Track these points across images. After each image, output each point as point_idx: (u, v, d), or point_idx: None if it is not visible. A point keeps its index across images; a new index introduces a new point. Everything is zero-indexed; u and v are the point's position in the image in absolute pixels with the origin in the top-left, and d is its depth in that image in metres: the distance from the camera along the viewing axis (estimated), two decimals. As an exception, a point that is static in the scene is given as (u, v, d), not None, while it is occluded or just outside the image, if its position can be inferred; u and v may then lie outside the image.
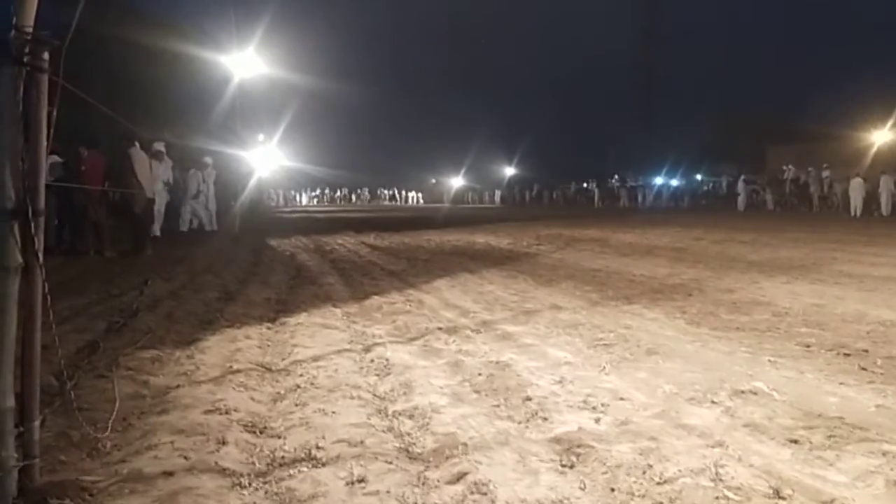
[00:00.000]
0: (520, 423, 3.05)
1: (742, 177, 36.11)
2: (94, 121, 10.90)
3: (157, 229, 14.46)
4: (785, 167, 33.16)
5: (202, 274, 8.63)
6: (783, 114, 47.18)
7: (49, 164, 11.31)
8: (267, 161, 36.74)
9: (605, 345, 4.60)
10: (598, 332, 4.99)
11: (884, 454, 2.61)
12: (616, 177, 53.77)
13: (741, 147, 46.62)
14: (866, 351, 4.32)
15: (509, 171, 65.96)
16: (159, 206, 14.80)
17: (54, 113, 2.34)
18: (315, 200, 65.77)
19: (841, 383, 3.63)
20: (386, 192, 71.29)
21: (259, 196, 35.96)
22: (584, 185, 54.51)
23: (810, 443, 2.75)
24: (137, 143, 11.68)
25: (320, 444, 2.76)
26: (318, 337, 4.93)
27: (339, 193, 68.63)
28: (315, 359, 4.26)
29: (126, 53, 21.61)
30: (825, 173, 29.71)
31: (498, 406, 3.29)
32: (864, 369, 3.90)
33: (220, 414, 3.14)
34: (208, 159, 18.17)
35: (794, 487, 2.30)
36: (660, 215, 28.42)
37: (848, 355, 4.23)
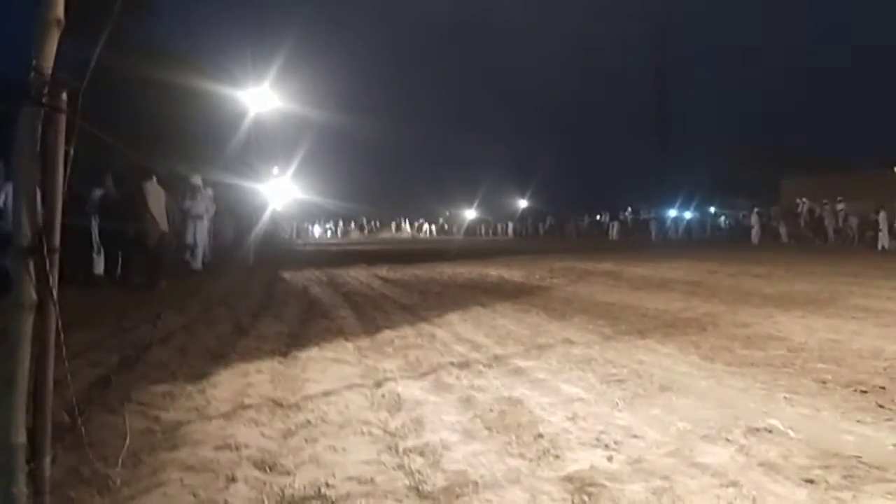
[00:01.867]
0: (531, 460, 3.02)
1: (756, 209, 36.02)
2: (113, 156, 11.12)
3: (199, 262, 14.72)
4: (799, 200, 33.04)
5: (215, 307, 8.68)
6: (797, 147, 47.23)
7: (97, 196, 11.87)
8: (281, 194, 37.05)
9: (618, 380, 4.56)
10: (610, 368, 4.95)
11: (903, 495, 2.56)
12: (629, 209, 53.74)
13: (755, 180, 46.57)
14: (884, 388, 4.25)
15: (522, 203, 66.11)
16: (197, 240, 14.90)
17: (71, 152, 2.38)
18: (329, 233, 66.11)
19: (858, 421, 3.57)
20: (399, 223, 71.55)
21: (273, 229, 36.17)
22: (598, 217, 54.49)
23: (827, 482, 2.70)
24: (154, 178, 11.87)
25: (330, 482, 2.75)
26: (329, 371, 4.93)
27: (352, 226, 68.96)
28: (326, 394, 4.26)
29: (144, 90, 21.98)
30: (840, 206, 29.58)
31: (509, 443, 3.27)
32: (881, 406, 3.84)
33: (231, 450, 3.14)
34: (210, 191, 18.35)
35: (811, 529, 2.26)
36: (673, 248, 28.29)
37: (865, 392, 4.17)
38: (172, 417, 3.73)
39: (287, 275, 14.69)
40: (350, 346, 6.02)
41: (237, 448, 3.17)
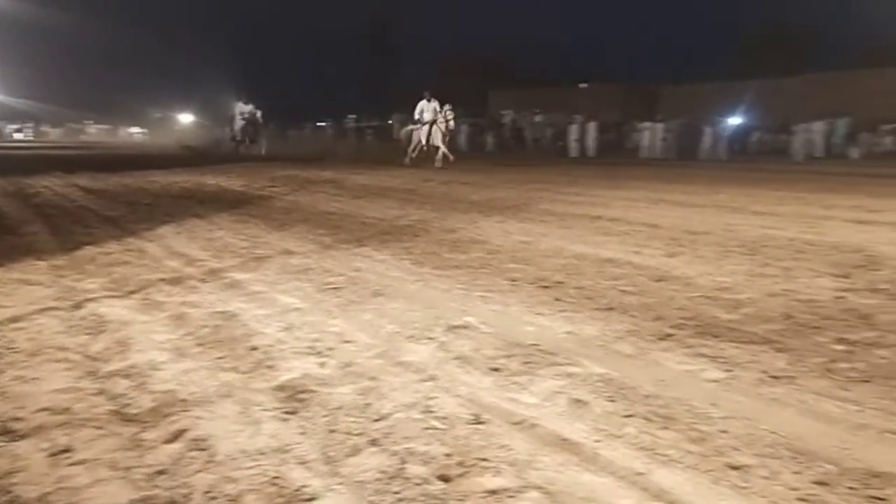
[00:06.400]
0: (244, 373, 3.05)
1: (467, 120, 38.32)
2: None
3: None
4: (503, 111, 35.76)
5: None
6: (503, 60, 50.63)
7: None
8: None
9: (334, 288, 4.70)
10: (328, 276, 5.08)
11: (568, 375, 3.02)
12: (354, 117, 53.98)
13: (467, 90, 49.27)
14: (561, 283, 4.89)
15: (246, 107, 63.10)
16: None
17: None
18: (16, 135, 57.81)
19: (538, 314, 4.08)
20: (99, 127, 64.68)
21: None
22: (318, 124, 54.02)
23: (509, 369, 3.09)
24: None
25: (19, 416, 2.53)
26: (17, 295, 4.42)
27: (47, 128, 60.87)
28: (14, 319, 3.84)
29: None
30: (537, 118, 32.64)
31: (222, 358, 3.25)
32: (558, 300, 4.42)
33: None
34: None
35: (492, 412, 2.59)
36: (393, 155, 29.17)
37: (546, 287, 4.76)
38: None
39: (-39, 185, 12.67)
40: (43, 264, 5.43)
41: None
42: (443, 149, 19.01)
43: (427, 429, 2.43)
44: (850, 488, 2.04)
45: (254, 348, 3.36)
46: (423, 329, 3.71)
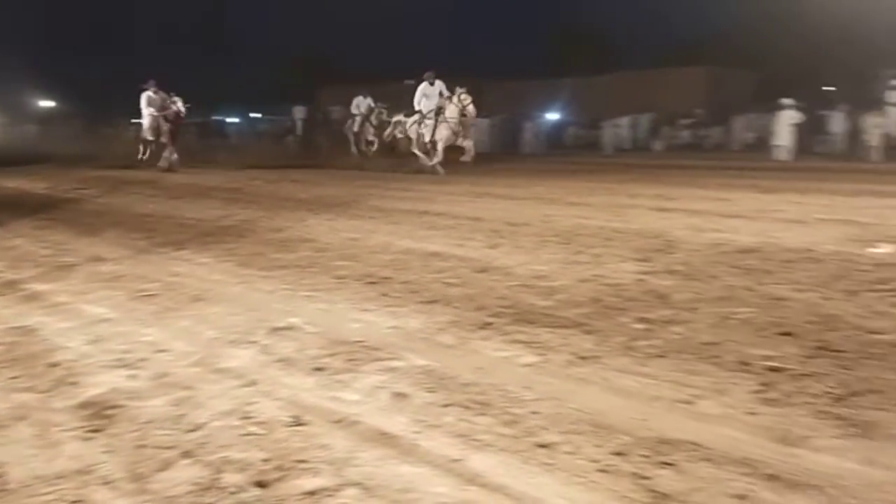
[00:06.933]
0: (43, 392, 2.82)
1: (300, 116, 37.63)
2: None
3: None
4: (332, 108, 35.42)
5: None
6: (333, 57, 50.23)
7: None
8: None
9: (148, 296, 4.46)
10: (142, 283, 4.81)
11: (391, 370, 3.06)
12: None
13: (299, 87, 48.34)
14: (389, 278, 4.93)
15: (49, 103, 57.91)
16: None
17: None
18: None
19: (364, 310, 4.09)
20: None
21: None
22: (135, 121, 50.77)
23: (332, 369, 3.08)
24: None
25: None
26: None
27: None
28: None
29: None
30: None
31: (17, 378, 2.98)
32: (384, 295, 4.45)
33: None
34: None
35: (314, 413, 2.57)
36: (216, 153, 28.01)
37: (373, 283, 4.78)
38: None
39: None
40: None
41: None
42: (438, 147, 14.43)
43: (245, 435, 2.37)
44: (644, 456, 2.23)
45: (55, 365, 3.12)
46: (244, 333, 3.61)
